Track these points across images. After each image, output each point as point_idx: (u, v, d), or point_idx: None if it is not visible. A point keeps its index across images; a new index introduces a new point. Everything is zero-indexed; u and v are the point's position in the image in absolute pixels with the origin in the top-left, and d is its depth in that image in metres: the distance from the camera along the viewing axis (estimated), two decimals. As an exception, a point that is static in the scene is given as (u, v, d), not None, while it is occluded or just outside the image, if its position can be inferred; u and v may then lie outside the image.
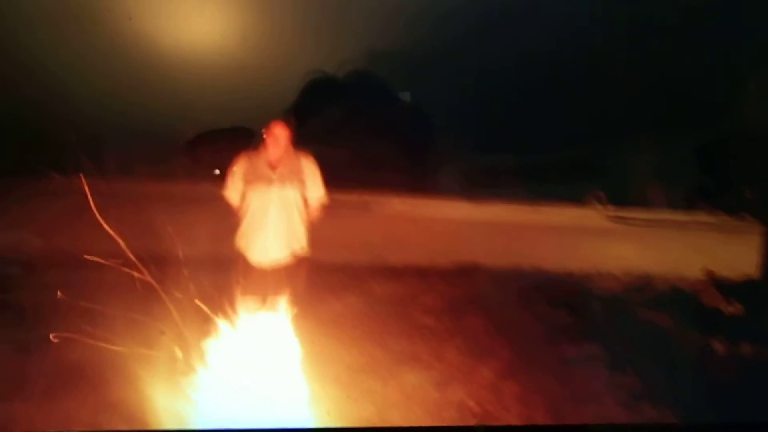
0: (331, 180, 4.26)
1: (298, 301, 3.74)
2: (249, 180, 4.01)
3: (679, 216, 8.77)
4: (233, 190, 4.08)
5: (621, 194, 9.64)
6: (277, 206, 3.96)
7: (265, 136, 3.99)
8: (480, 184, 10.72)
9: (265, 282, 3.97)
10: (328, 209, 4.30)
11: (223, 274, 4.12)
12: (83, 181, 3.76)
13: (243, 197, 4.03)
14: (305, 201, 4.09)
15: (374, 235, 7.71)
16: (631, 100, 8.59)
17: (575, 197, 9.90)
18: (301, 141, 4.19)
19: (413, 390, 4.06)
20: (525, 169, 10.97)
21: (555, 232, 8.72)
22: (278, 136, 3.96)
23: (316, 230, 4.28)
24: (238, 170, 4.07)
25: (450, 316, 5.58)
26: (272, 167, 3.99)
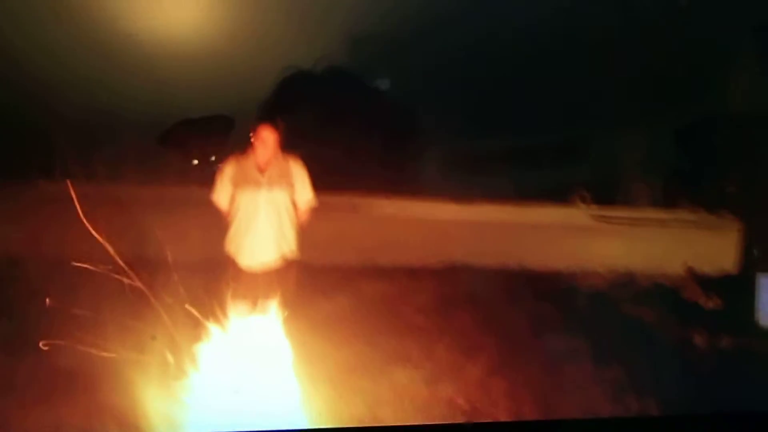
0: (318, 180, 4.30)
1: (288, 303, 3.77)
2: (238, 183, 4.02)
3: (662, 214, 8.89)
4: (222, 194, 4.09)
5: (605, 191, 9.74)
6: (266, 209, 3.98)
7: (252, 139, 3.99)
8: (463, 170, 10.75)
9: (255, 285, 3.99)
10: (316, 211, 4.34)
11: (213, 278, 4.14)
12: (70, 186, 3.77)
13: (232, 200, 4.05)
14: (294, 204, 4.11)
15: (363, 236, 7.74)
16: (616, 84, 8.64)
17: (560, 184, 9.95)
18: (287, 140, 4.21)
19: (403, 388, 4.09)
20: (509, 154, 11.00)
21: (541, 231, 8.81)
22: (266, 138, 3.97)
23: (305, 232, 4.31)
24: (226, 173, 4.08)
25: (439, 315, 5.63)
26: (261, 170, 4.00)
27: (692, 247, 7.41)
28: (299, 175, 4.11)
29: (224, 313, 3.48)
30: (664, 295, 6.49)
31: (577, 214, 9.53)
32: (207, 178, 4.42)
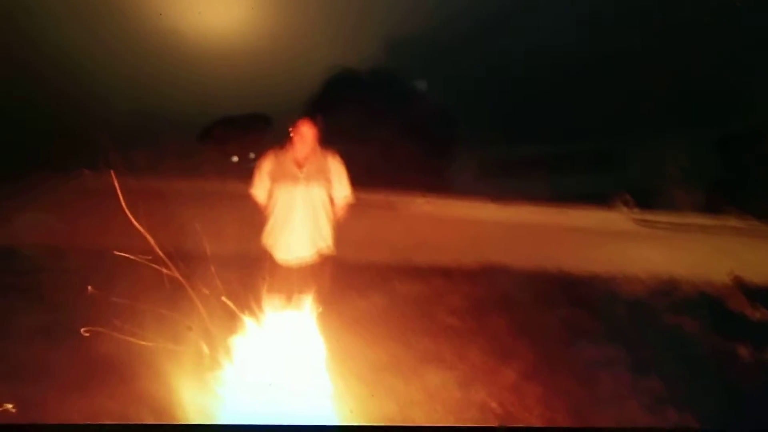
0: (355, 178, 4.28)
1: (323, 299, 3.77)
2: (276, 178, 4.04)
3: (706, 220, 8.63)
4: (260, 188, 4.11)
5: (647, 196, 9.50)
6: (303, 204, 3.99)
7: (292, 134, 4.00)
8: (500, 174, 10.65)
9: (290, 280, 4.06)
10: (353, 208, 4.32)
11: (250, 272, 4.17)
12: (113, 177, 3.83)
13: (270, 195, 4.07)
14: (331, 200, 4.11)
15: (399, 235, 7.71)
16: (657, 93, 8.43)
17: (599, 190, 9.76)
18: (326, 138, 4.22)
19: (436, 389, 4.05)
20: (547, 159, 10.85)
21: (580, 234, 8.64)
22: (305, 134, 3.99)
23: (341, 229, 4.30)
24: (265, 168, 4.11)
25: (473, 317, 5.56)
26: (299, 165, 4.01)
27: (739, 254, 7.17)
28: (337, 172, 4.11)
29: (259, 307, 3.52)
30: (707, 304, 6.29)
31: (619, 218, 9.31)
32: (245, 173, 4.44)
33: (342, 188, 4.11)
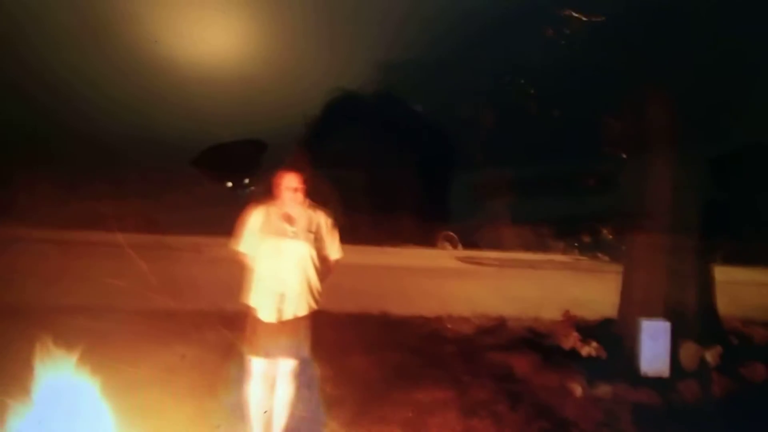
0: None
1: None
2: (265, 233, 3.83)
3: (535, 256, 8.73)
4: (248, 243, 3.88)
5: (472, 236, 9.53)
6: (292, 261, 3.81)
7: (283, 188, 3.85)
8: (492, 196, 10.26)
9: (274, 338, 3.77)
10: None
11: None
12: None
13: (257, 251, 3.84)
14: (321, 257, 3.93)
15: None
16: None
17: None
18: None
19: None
20: (540, 181, 10.55)
21: (405, 274, 8.31)
22: (295, 188, 3.82)
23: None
24: (253, 222, 3.89)
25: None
26: (290, 222, 3.84)
27: (569, 290, 7.16)
28: (330, 231, 3.96)
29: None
30: (537, 341, 6.07)
31: (444, 257, 9.17)
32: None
33: (335, 250, 3.99)
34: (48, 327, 3.61)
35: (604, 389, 4.72)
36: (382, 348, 5.74)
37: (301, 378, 3.76)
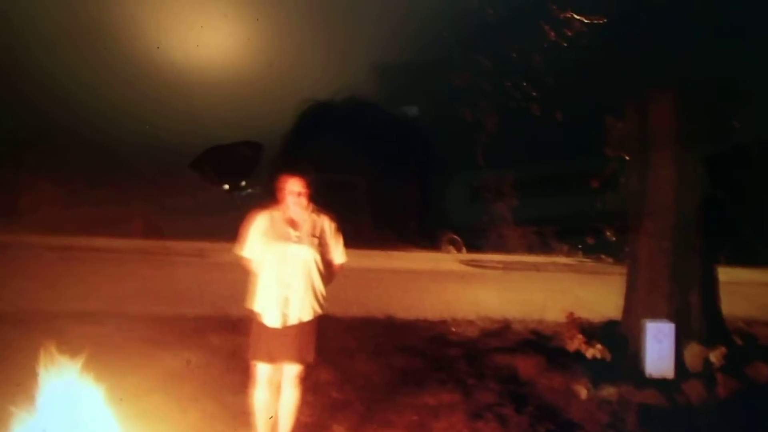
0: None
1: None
2: (269, 238, 3.79)
3: (538, 258, 8.69)
4: (252, 248, 3.84)
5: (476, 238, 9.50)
6: (296, 266, 3.76)
7: (286, 193, 3.82)
8: (495, 198, 10.25)
9: (278, 340, 3.72)
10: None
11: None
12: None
13: (262, 256, 3.80)
14: (325, 262, 3.89)
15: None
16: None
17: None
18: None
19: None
20: (543, 182, 10.48)
21: (409, 278, 8.29)
22: (299, 193, 3.79)
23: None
24: (257, 227, 3.85)
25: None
26: (294, 226, 3.81)
27: (573, 291, 7.14)
28: (334, 235, 3.93)
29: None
30: (542, 344, 6.06)
31: (448, 260, 9.15)
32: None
33: (339, 254, 3.95)
34: (52, 333, 3.64)
35: (609, 391, 4.70)
36: (387, 352, 5.76)
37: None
